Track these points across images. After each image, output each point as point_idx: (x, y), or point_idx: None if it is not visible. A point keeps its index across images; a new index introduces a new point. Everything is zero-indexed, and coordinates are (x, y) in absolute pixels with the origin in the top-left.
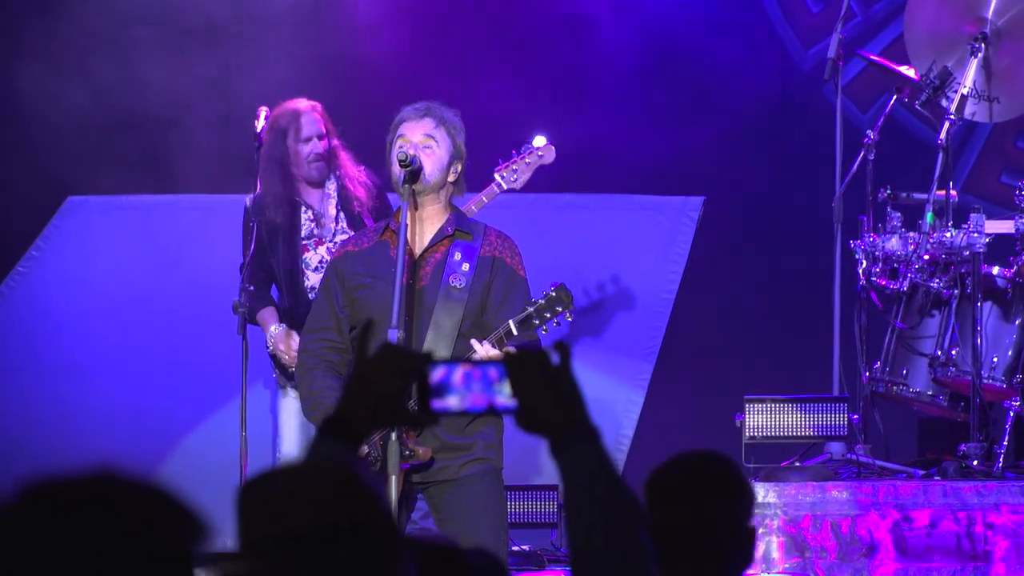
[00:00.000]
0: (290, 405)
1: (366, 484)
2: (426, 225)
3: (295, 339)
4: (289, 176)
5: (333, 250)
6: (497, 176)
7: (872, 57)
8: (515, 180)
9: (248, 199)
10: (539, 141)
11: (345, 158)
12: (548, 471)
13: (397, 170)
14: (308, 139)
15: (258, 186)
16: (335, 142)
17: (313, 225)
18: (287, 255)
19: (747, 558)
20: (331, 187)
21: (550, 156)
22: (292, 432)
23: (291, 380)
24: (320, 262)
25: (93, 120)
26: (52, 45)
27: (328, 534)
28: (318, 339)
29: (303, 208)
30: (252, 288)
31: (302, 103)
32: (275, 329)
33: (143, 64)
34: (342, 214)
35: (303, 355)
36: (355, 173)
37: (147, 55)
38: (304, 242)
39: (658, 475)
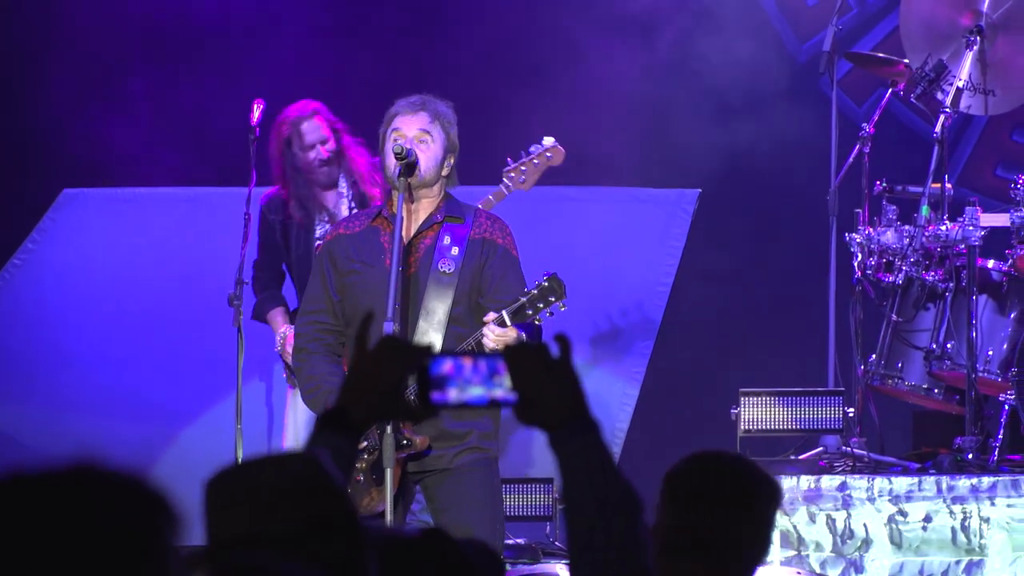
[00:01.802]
0: (298, 402)
1: (332, 481)
2: (419, 215)
3: None
4: (309, 181)
5: None
6: (505, 179)
7: (859, 53)
8: (523, 181)
9: (262, 196)
10: (548, 141)
11: (355, 156)
12: (543, 463)
13: (392, 163)
14: (311, 146)
15: (279, 186)
16: (344, 140)
17: (326, 227)
18: (302, 254)
19: (765, 551)
20: (344, 186)
21: (559, 157)
22: (296, 428)
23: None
24: None
25: (89, 111)
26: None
27: (292, 534)
28: (313, 321)
29: (319, 210)
30: (264, 290)
31: (302, 108)
32: (285, 331)
33: (141, 55)
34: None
35: (299, 339)
36: (366, 171)
37: (141, 48)
38: (318, 241)
39: (689, 474)
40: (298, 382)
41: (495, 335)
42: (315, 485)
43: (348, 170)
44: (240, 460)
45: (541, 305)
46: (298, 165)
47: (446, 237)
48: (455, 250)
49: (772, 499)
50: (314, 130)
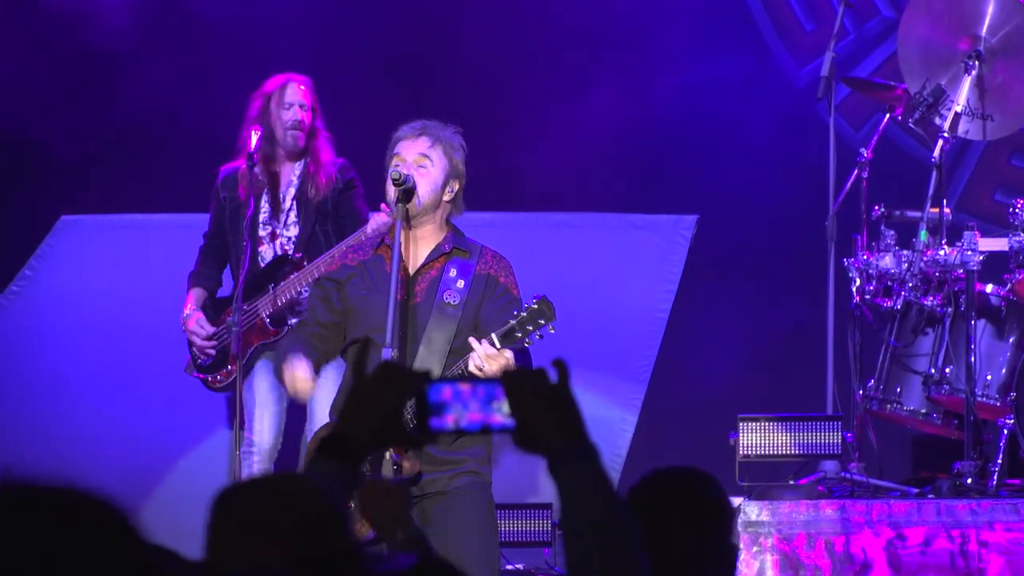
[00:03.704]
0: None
1: (339, 516)
2: (421, 244)
3: (205, 327)
4: (272, 150)
5: (285, 245)
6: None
7: (857, 78)
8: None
9: (221, 170)
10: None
11: (321, 144)
12: (543, 489)
13: (391, 189)
14: (290, 105)
15: (240, 158)
16: (318, 124)
17: (268, 214)
18: (236, 241)
19: (725, 570)
20: (296, 172)
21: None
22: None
23: (194, 367)
24: (273, 256)
25: (87, 139)
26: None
27: (295, 565)
28: (305, 331)
29: (265, 191)
30: (201, 263)
31: (293, 74)
32: (187, 312)
33: (140, 82)
34: (295, 202)
35: (289, 337)
36: (325, 160)
37: (144, 73)
38: (260, 232)
39: (638, 492)
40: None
41: (483, 354)
42: (319, 518)
43: (311, 149)
44: (248, 481)
45: (531, 328)
46: (270, 123)
47: (452, 269)
48: (460, 283)
49: (721, 518)
50: (298, 92)
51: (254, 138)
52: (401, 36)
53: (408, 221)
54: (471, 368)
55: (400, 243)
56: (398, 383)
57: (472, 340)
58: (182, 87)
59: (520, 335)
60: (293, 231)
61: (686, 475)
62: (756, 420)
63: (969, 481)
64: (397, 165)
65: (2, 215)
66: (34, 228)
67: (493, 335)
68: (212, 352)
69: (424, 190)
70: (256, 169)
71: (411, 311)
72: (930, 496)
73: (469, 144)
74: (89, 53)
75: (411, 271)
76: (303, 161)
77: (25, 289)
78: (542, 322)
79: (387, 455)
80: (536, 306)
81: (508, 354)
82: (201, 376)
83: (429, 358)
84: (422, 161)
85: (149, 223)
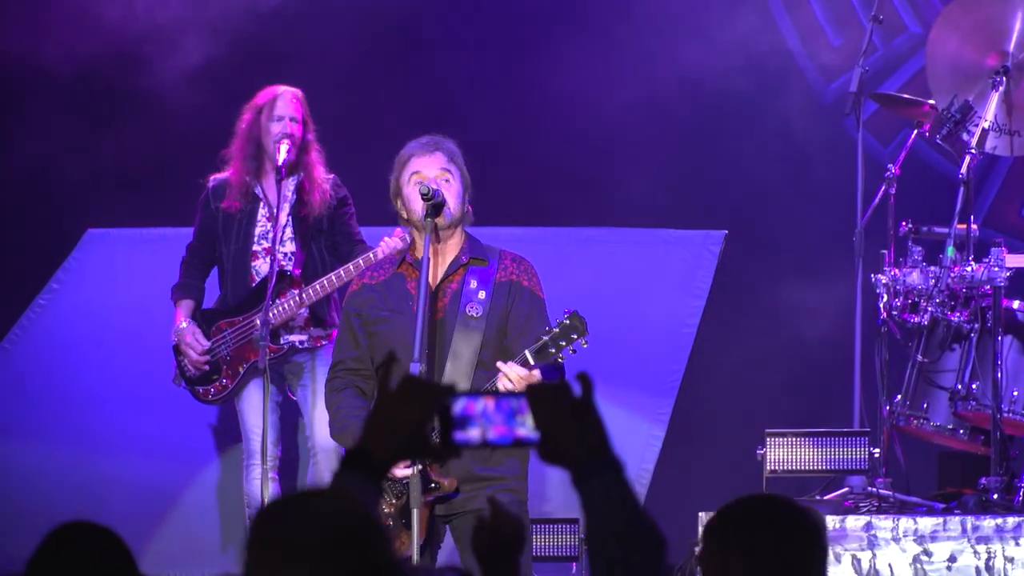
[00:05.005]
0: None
1: (380, 532)
2: (441, 257)
3: (201, 341)
4: (260, 163)
5: (282, 261)
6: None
7: (885, 94)
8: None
9: (211, 180)
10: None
11: (314, 159)
12: (570, 504)
13: (419, 205)
14: (280, 118)
15: (229, 170)
16: (310, 137)
17: (267, 226)
18: (240, 247)
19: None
20: (290, 187)
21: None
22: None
23: (183, 378)
24: (269, 271)
25: (114, 152)
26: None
27: None
28: (344, 368)
29: (262, 204)
30: (187, 275)
31: (283, 87)
32: (184, 325)
33: (164, 97)
34: (290, 219)
35: (333, 381)
36: (318, 176)
37: (172, 88)
38: (255, 246)
39: (731, 516)
40: (329, 418)
41: (514, 376)
42: (356, 534)
43: (304, 164)
44: (286, 498)
45: (564, 343)
46: (261, 136)
47: (472, 281)
48: (482, 294)
49: (815, 535)
50: (287, 105)
51: (283, 151)
52: (422, 48)
53: (437, 235)
54: (501, 389)
55: (428, 258)
56: (422, 397)
57: (500, 364)
58: (207, 103)
59: (553, 350)
60: (290, 247)
61: (779, 499)
62: (783, 435)
63: (995, 497)
64: (420, 181)
65: (29, 228)
66: (61, 241)
67: (527, 352)
68: (207, 367)
69: (452, 204)
70: (249, 180)
71: (437, 326)
72: (956, 512)
73: (496, 160)
74: (118, 76)
75: (433, 285)
76: (296, 177)
77: (52, 302)
78: (575, 337)
79: (418, 473)
80: (568, 321)
81: (537, 374)
82: (189, 388)
83: (456, 372)
84: (445, 176)
85: (175, 237)
